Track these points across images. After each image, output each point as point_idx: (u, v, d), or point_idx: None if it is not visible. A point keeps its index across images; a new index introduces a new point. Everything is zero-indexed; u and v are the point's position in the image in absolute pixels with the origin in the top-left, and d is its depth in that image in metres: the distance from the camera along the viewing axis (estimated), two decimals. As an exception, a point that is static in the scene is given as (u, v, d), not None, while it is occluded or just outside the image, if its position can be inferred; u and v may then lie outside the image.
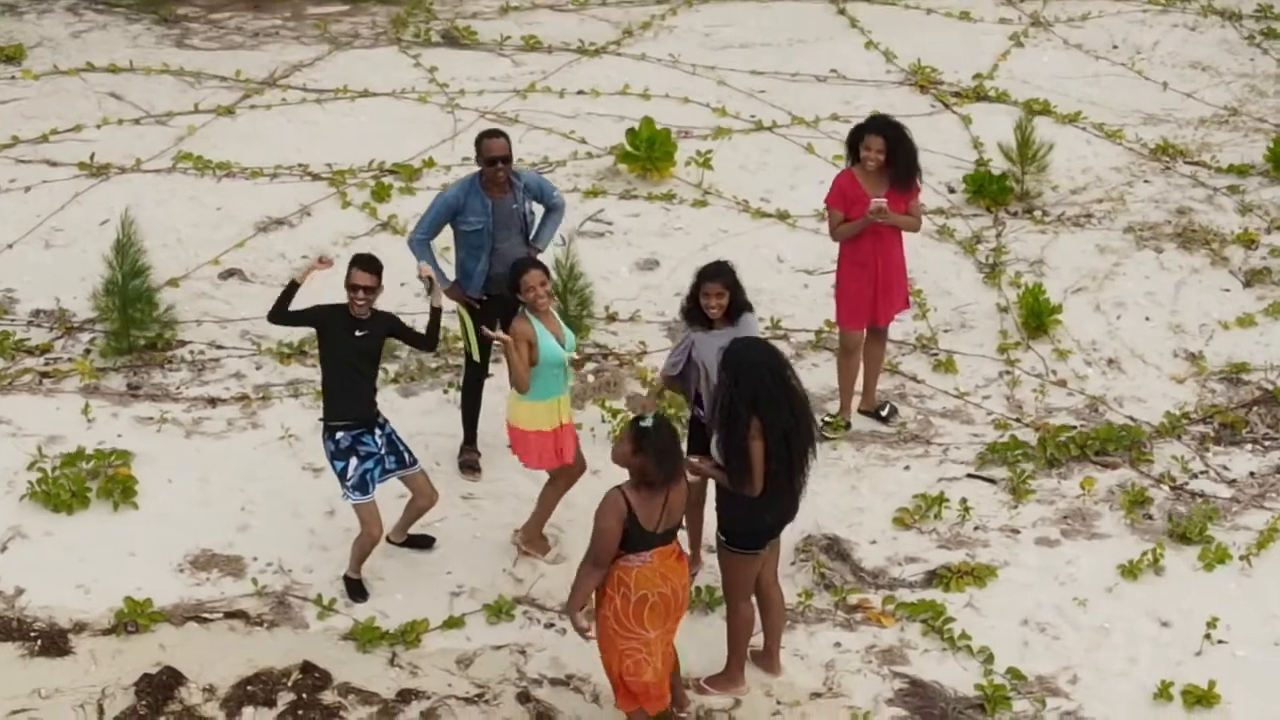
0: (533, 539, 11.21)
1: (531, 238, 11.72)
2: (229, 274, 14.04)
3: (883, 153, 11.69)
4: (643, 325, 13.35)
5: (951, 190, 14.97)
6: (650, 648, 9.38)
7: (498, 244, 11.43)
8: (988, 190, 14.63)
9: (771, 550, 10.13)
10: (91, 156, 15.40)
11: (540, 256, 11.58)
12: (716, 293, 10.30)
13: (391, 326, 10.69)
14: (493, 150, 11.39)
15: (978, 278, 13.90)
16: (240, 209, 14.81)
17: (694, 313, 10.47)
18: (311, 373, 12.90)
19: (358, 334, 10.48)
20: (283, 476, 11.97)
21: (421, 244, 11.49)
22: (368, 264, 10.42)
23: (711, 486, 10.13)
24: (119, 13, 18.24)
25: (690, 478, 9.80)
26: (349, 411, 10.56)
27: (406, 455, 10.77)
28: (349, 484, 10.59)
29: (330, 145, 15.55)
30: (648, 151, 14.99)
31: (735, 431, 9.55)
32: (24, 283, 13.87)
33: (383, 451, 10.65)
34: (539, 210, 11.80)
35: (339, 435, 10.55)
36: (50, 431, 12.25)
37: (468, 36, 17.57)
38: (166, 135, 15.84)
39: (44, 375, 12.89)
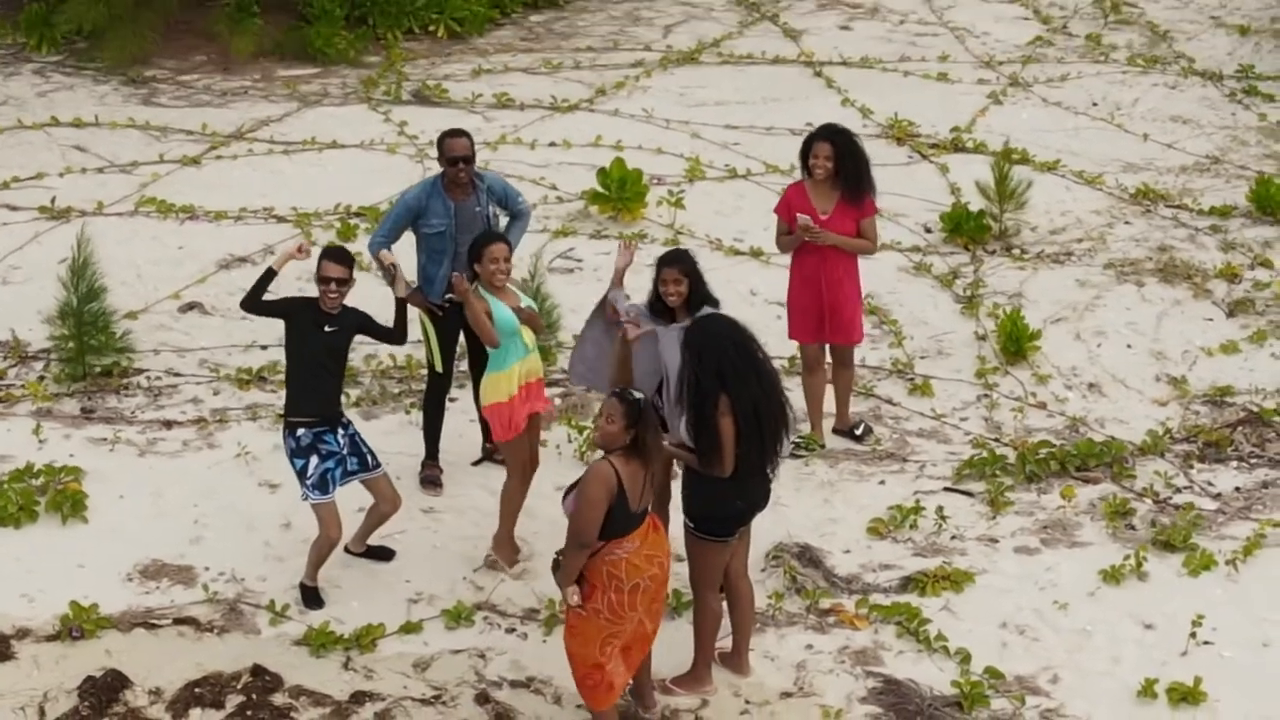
0: (501, 544, 10.98)
1: (496, 243, 11.54)
2: (189, 307, 13.90)
3: (831, 159, 11.57)
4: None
5: (928, 230, 14.88)
6: (628, 628, 9.17)
7: (460, 248, 11.28)
8: (965, 228, 14.55)
9: (741, 540, 9.91)
10: (53, 200, 15.32)
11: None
12: (674, 279, 10.14)
13: (362, 323, 10.55)
14: (454, 150, 11.31)
15: (955, 309, 13.78)
16: (203, 248, 14.71)
17: (656, 304, 10.32)
18: (270, 397, 12.73)
19: (327, 329, 10.34)
20: (238, 492, 11.76)
21: (381, 247, 11.36)
22: (339, 256, 10.32)
23: (678, 485, 9.94)
24: (86, 74, 18.23)
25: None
26: (312, 408, 10.39)
27: (369, 458, 10.58)
28: (309, 482, 10.39)
29: (296, 192, 15.48)
30: (618, 192, 14.92)
31: (703, 409, 9.38)
32: (-22, 317, 13.71)
33: (345, 452, 10.47)
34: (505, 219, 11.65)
35: (300, 432, 10.37)
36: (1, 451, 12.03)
37: (439, 95, 17.57)
38: (130, 183, 15.77)
39: (-2, 400, 12.68)
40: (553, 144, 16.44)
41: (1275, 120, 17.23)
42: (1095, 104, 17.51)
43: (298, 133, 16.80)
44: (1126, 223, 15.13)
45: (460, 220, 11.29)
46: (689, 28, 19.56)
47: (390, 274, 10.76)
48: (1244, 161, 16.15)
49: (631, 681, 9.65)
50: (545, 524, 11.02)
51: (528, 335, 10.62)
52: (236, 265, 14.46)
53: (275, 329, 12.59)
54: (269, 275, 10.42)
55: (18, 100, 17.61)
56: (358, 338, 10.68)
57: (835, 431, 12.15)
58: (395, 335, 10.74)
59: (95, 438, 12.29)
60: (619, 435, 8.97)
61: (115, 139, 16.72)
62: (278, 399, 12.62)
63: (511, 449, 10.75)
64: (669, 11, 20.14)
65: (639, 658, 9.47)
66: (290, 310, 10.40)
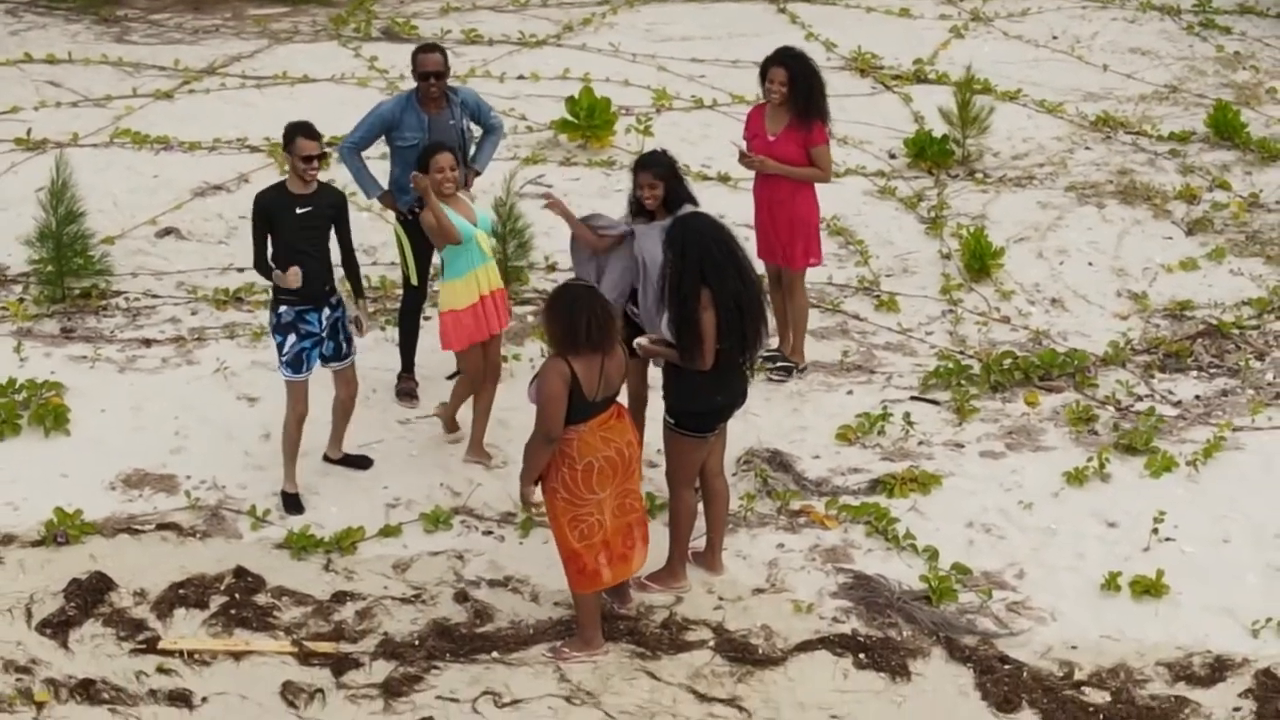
0: (475, 449, 11.13)
1: (470, 159, 11.67)
2: (166, 232, 13.99)
3: (785, 85, 11.64)
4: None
5: (892, 156, 15.04)
6: (601, 507, 9.30)
7: (431, 160, 11.34)
8: (929, 153, 14.70)
9: (718, 438, 10.05)
10: (28, 132, 15.37)
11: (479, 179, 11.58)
12: (649, 183, 10.27)
13: (339, 209, 10.58)
14: (426, 65, 11.40)
15: (919, 230, 13.94)
16: (177, 177, 14.79)
17: (636, 207, 10.45)
18: (248, 316, 12.86)
19: (299, 210, 10.39)
20: (217, 406, 11.87)
21: (351, 151, 11.50)
22: (309, 130, 10.38)
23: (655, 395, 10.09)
24: (58, 14, 18.27)
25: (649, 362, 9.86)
26: (295, 288, 10.45)
27: (344, 346, 10.68)
28: (284, 359, 10.53)
29: (269, 124, 15.53)
30: (587, 120, 15.03)
31: (686, 304, 9.52)
32: (-44, 243, 13.77)
33: (324, 334, 10.56)
34: (479, 132, 11.74)
35: (281, 309, 10.50)
36: (-16, 371, 12.11)
37: (408, 31, 17.65)
38: (104, 116, 15.84)
39: (-26, 321, 12.74)
40: (521, 77, 16.54)
41: (1232, 51, 17.41)
42: (1055, 37, 17.67)
43: (269, 68, 16.87)
44: (1087, 148, 15.29)
45: (434, 133, 11.39)
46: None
47: (376, 187, 10.84)
48: (1202, 90, 16.32)
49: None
50: (518, 432, 11.10)
51: (484, 242, 10.73)
52: (211, 193, 14.54)
53: (250, 247, 12.75)
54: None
55: (-11, 39, 17.65)
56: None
57: (773, 350, 12.14)
58: (347, 255, 10.78)
59: (75, 355, 12.38)
60: (564, 325, 9.14)
61: (88, 75, 16.77)
62: (254, 318, 12.75)
63: (461, 359, 10.88)
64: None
65: (631, 560, 9.59)
66: (266, 209, 10.45)
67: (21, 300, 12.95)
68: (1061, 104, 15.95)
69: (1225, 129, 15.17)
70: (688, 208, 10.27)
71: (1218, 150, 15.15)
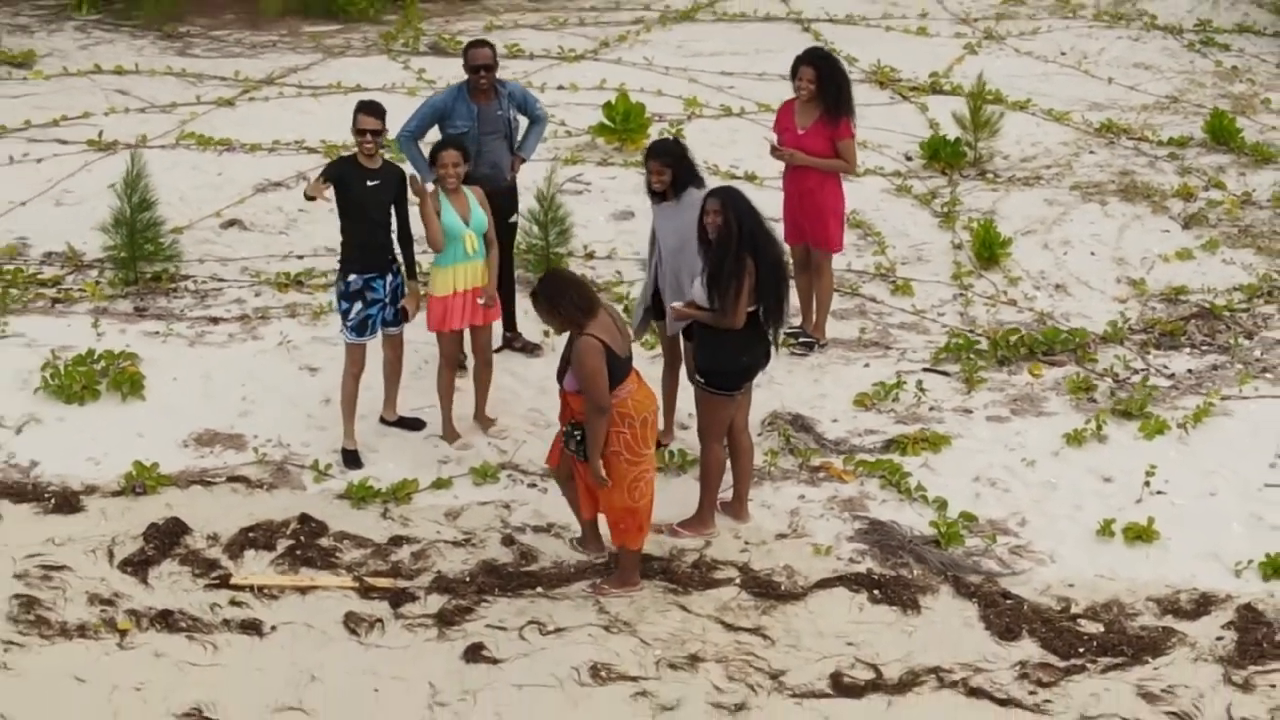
0: (445, 427, 11.81)
1: (516, 147, 12.44)
2: (230, 224, 14.74)
3: (814, 83, 12.36)
4: (619, 261, 14.06)
5: (908, 158, 15.76)
6: (650, 465, 10.03)
7: (482, 147, 12.12)
8: (942, 155, 15.43)
9: (744, 396, 10.78)
10: (100, 134, 16.14)
11: (524, 166, 12.36)
12: (657, 169, 11.01)
13: (400, 185, 11.33)
14: (477, 59, 12.18)
15: (933, 224, 14.65)
16: (240, 175, 15.56)
17: (649, 187, 11.20)
18: (307, 297, 13.60)
19: (369, 183, 11.15)
20: (281, 375, 12.61)
21: (408, 139, 12.22)
22: (372, 108, 11.13)
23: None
24: (124, 30, 19.07)
25: (674, 325, 10.57)
26: (366, 258, 11.21)
27: (396, 314, 11.43)
28: (350, 324, 11.27)
29: (324, 128, 16.32)
30: (623, 124, 15.80)
31: (728, 266, 10.21)
32: (36, 232, 14.54)
33: (386, 300, 11.31)
34: (524, 122, 12.50)
35: (351, 278, 11.23)
36: (62, 343, 12.86)
37: (453, 46, 18.41)
38: (170, 121, 16.61)
39: (55, 301, 13.51)
40: (561, 87, 17.30)
41: (1230, 65, 18.11)
42: (1063, 53, 18.40)
43: (324, 79, 17.66)
44: (1091, 152, 16.01)
45: (482, 122, 12.13)
46: (684, -7, 20.46)
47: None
48: (1200, 101, 17.03)
49: (582, 530, 10.53)
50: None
51: (470, 242, 11.44)
52: (272, 189, 15.30)
53: (310, 238, 13.61)
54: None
55: (62, 52, 18.46)
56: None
57: (796, 326, 12.88)
58: (403, 228, 11.53)
59: (148, 331, 13.12)
60: (567, 313, 9.91)
61: (154, 84, 17.56)
62: (314, 299, 13.51)
63: (441, 340, 11.59)
64: (663, -21, 21.02)
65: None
66: (338, 172, 11.20)
67: (98, 282, 13.69)
68: (1068, 113, 16.67)
69: (1221, 134, 15.87)
70: (690, 192, 10.98)
71: (1214, 154, 15.85)
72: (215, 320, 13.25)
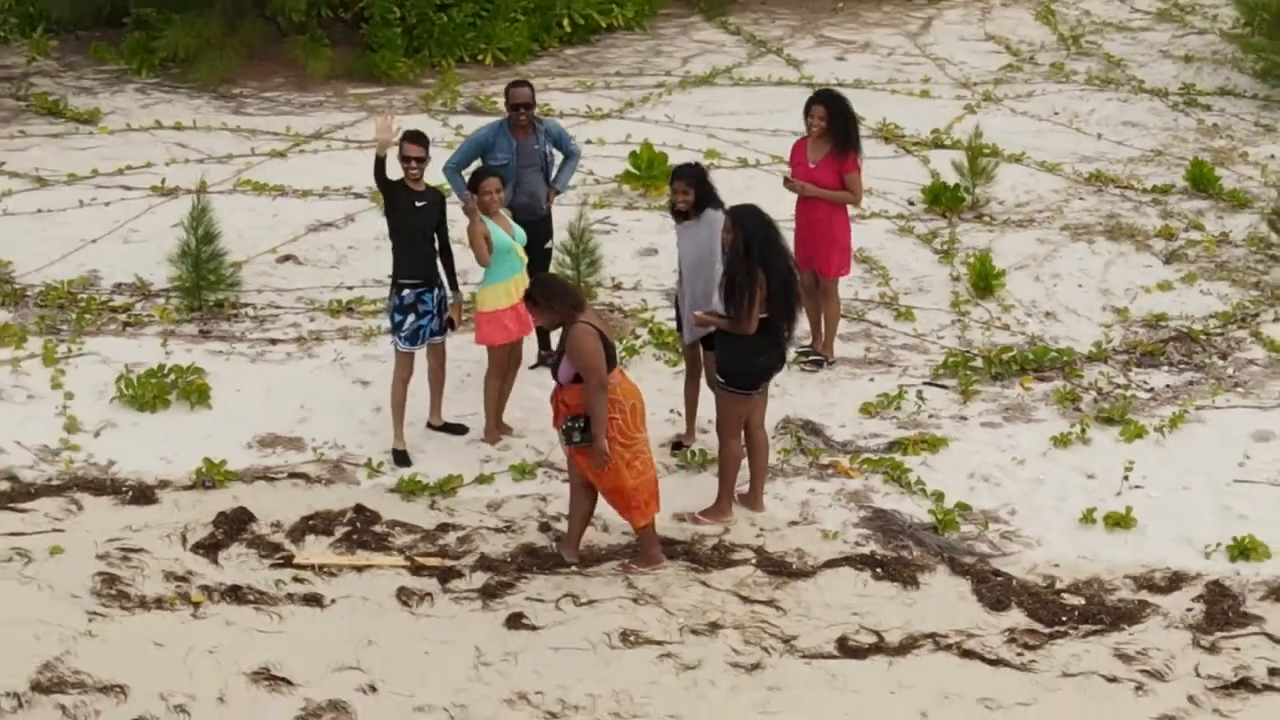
0: (488, 430, 12.76)
1: (552, 179, 13.47)
2: (285, 258, 15.74)
3: (824, 119, 13.36)
4: (644, 291, 15.03)
5: (911, 203, 16.75)
6: (646, 445, 10.97)
7: (521, 179, 13.14)
8: (943, 199, 16.42)
9: (760, 396, 11.75)
10: (162, 181, 17.19)
11: (559, 196, 13.39)
12: (681, 190, 12.01)
13: (442, 208, 12.36)
14: (517, 98, 13.20)
15: (933, 260, 15.61)
16: (293, 217, 16.57)
17: (672, 207, 12.21)
18: (358, 321, 14.57)
19: (417, 204, 12.18)
20: (336, 388, 13.56)
21: (453, 172, 13.24)
22: (416, 136, 12.16)
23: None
24: (181, 91, 20.15)
25: (693, 332, 11.58)
26: (415, 271, 12.19)
27: (442, 324, 12.42)
28: (403, 334, 12.23)
29: (370, 177, 17.27)
30: (647, 171, 16.82)
31: (744, 279, 11.21)
32: (106, 266, 15.54)
33: (434, 311, 12.30)
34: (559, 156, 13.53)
35: (405, 292, 12.21)
36: (133, 360, 13.85)
37: (488, 106, 19.46)
38: (227, 170, 17.63)
39: (126, 324, 14.52)
40: (589, 141, 18.30)
41: (1211, 123, 19.13)
42: (1056, 113, 19.41)
43: (368, 134, 18.68)
44: (1080, 199, 16.99)
45: (521, 155, 13.15)
46: (704, 59, 21.50)
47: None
48: (1183, 154, 18.00)
49: (566, 529, 11.44)
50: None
51: (520, 252, 12.47)
52: (323, 229, 16.29)
53: (359, 272, 14.61)
54: (379, 161, 12.22)
55: (124, 111, 19.53)
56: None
57: (806, 345, 13.84)
58: (445, 261, 12.51)
59: (213, 350, 14.08)
60: (560, 312, 11.00)
61: (211, 139, 18.62)
62: (364, 323, 14.49)
63: (495, 352, 12.56)
64: (686, 47, 22.08)
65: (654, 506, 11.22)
66: (391, 189, 12.21)
67: (165, 308, 14.69)
68: (1059, 164, 17.67)
69: (1202, 182, 16.85)
70: (709, 212, 11.98)
71: (1195, 200, 16.82)
72: (274, 341, 14.20)
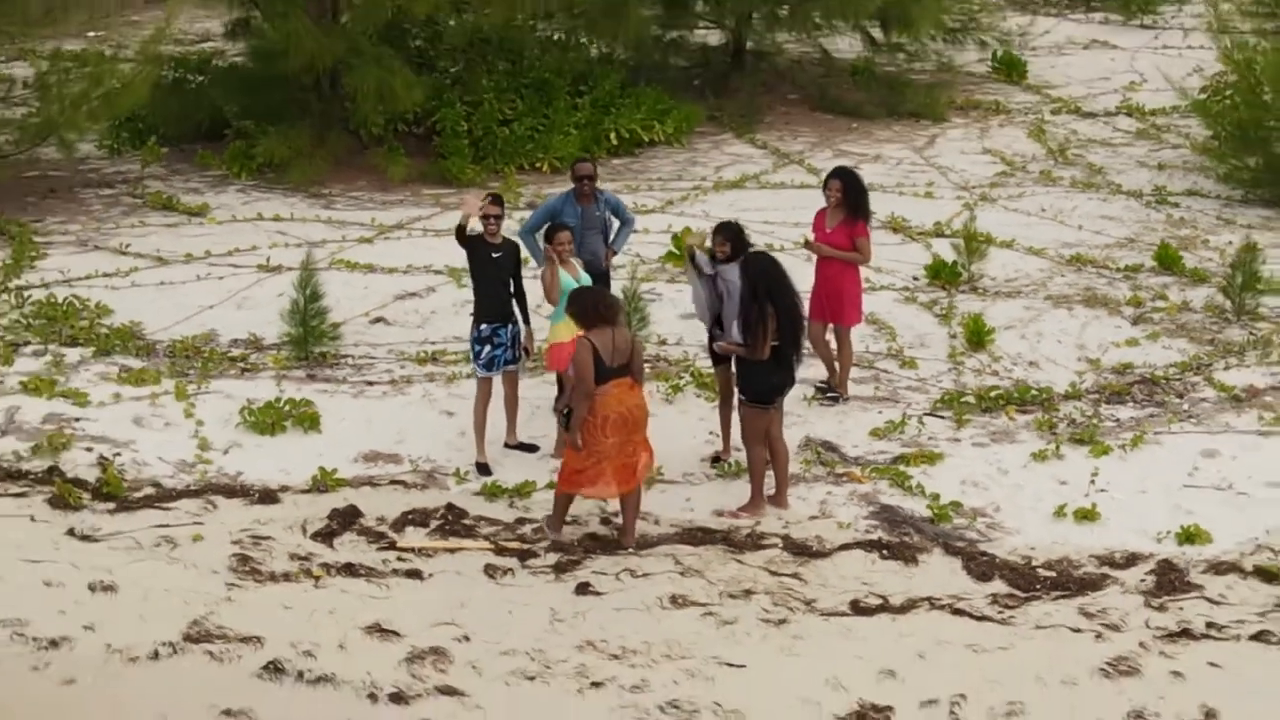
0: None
1: (610, 241, 15.50)
2: (377, 320, 17.70)
3: (840, 192, 15.37)
4: (686, 345, 17.01)
5: (915, 279, 18.74)
6: (605, 454, 12.77)
7: (584, 240, 15.11)
8: (942, 274, 18.39)
9: (776, 411, 13.67)
10: (267, 259, 19.25)
11: (616, 258, 15.39)
12: (720, 242, 13.94)
13: (517, 258, 14.38)
14: (581, 171, 15.23)
15: (934, 321, 17.52)
16: (382, 288, 18.55)
17: (713, 255, 14.19)
18: (442, 368, 16.52)
19: (494, 255, 14.20)
20: (426, 417, 15.44)
21: (528, 233, 15.20)
22: (496, 199, 14.16)
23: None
24: (277, 191, 22.21)
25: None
26: (492, 311, 14.13)
27: (515, 355, 14.37)
28: (480, 362, 14.16)
29: (447, 258, 19.35)
30: (686, 252, 18.80)
31: (754, 313, 13.21)
32: (223, 326, 17.51)
33: (508, 344, 14.27)
34: (616, 222, 15.56)
35: (483, 326, 14.16)
36: (252, 396, 15.82)
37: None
38: (322, 251, 19.60)
39: (244, 370, 16.52)
40: (635, 231, 20.32)
41: (1178, 217, 21.14)
42: (1043, 210, 21.36)
43: (443, 225, 20.75)
44: (1062, 276, 18.92)
45: (585, 220, 15.15)
46: (734, 168, 23.55)
47: (542, 254, 14.61)
48: (1152, 241, 19.96)
49: (622, 519, 13.24)
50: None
51: None
52: (409, 298, 18.30)
53: (441, 331, 16.56)
54: (460, 228, 14.24)
55: (229, 205, 21.62)
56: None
57: (823, 382, 15.77)
58: (520, 302, 14.46)
59: (320, 389, 15.98)
60: (583, 317, 12.92)
61: (306, 228, 20.67)
62: (447, 370, 16.42)
63: (564, 378, 14.46)
64: (719, 158, 24.14)
65: (630, 481, 13.02)
66: (472, 245, 14.22)
67: (277, 356, 16.69)
68: (1044, 249, 19.63)
69: (1168, 262, 18.78)
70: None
71: (1161, 276, 18.71)
72: (371, 383, 16.14)
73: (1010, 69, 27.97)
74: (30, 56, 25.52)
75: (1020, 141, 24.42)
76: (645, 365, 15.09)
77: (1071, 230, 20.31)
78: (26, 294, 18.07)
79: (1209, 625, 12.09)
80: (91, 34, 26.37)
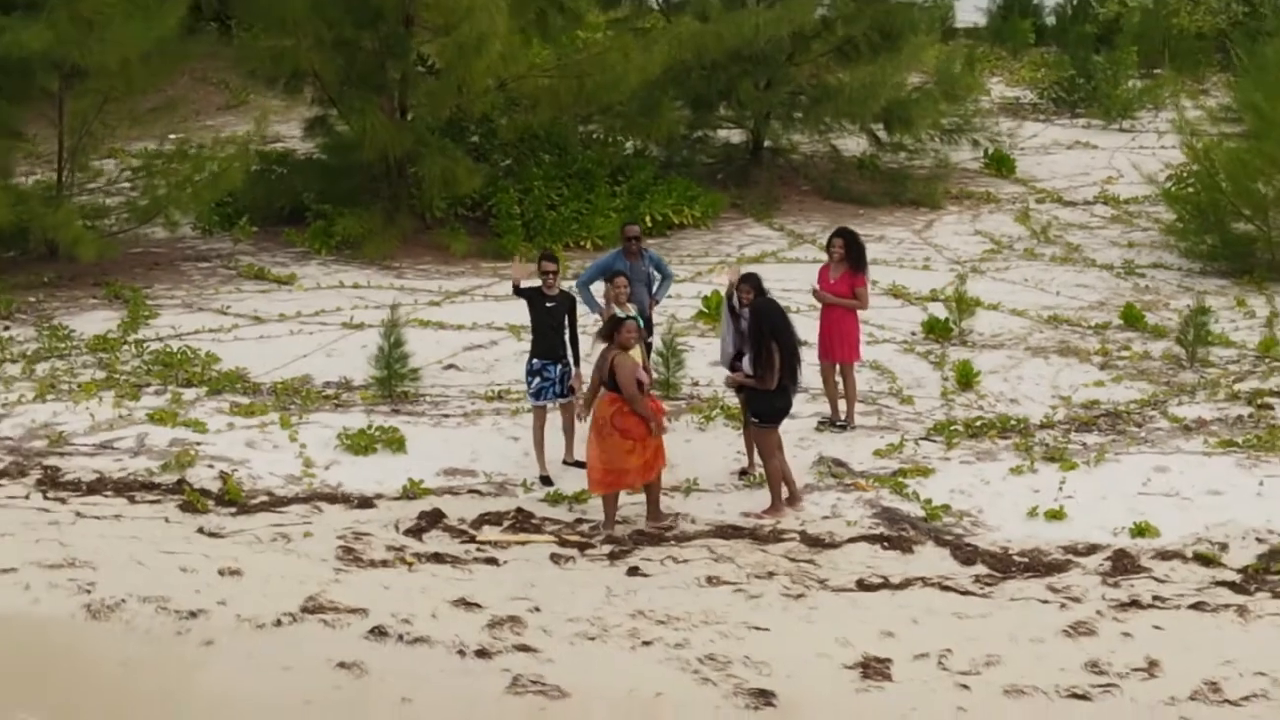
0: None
1: (653, 292, 17.57)
2: (449, 366, 19.73)
3: (842, 248, 17.46)
4: (716, 387, 19.03)
5: (912, 334, 20.78)
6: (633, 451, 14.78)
7: (632, 289, 17.19)
8: (936, 329, 20.44)
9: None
10: (350, 318, 21.35)
11: (658, 306, 17.44)
12: (745, 291, 15.98)
13: (571, 307, 16.42)
14: (629, 232, 17.31)
15: (929, 368, 19.50)
16: (451, 341, 20.54)
17: (739, 300, 16.22)
18: (507, 404, 18.54)
19: (548, 304, 16.24)
20: (495, 442, 17.36)
21: (583, 286, 17.27)
22: (551, 256, 16.21)
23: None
24: (353, 264, 24.27)
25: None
26: (544, 350, 16.06)
27: (566, 390, 16.36)
28: (531, 391, 16.14)
29: (506, 316, 21.43)
30: (716, 312, 20.90)
31: (765, 349, 15.23)
32: (316, 371, 19.57)
33: (556, 380, 16.26)
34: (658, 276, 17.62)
35: (534, 361, 16.14)
36: (347, 425, 17.87)
37: (591, 274, 23.59)
38: (397, 312, 21.79)
39: (337, 405, 18.58)
40: (669, 297, 22.39)
41: (1144, 285, 23.18)
42: (1026, 280, 23.42)
43: (501, 291, 22.87)
44: (1040, 332, 20.89)
45: (632, 274, 17.18)
46: (754, 246, 25.56)
47: (599, 307, 16.65)
48: (1121, 304, 22.01)
49: (648, 506, 15.15)
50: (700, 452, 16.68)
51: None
52: (475, 349, 20.32)
53: (504, 375, 18.55)
54: (515, 284, 16.31)
55: (313, 276, 23.70)
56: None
57: (825, 419, 17.77)
58: (574, 341, 16.54)
59: (403, 420, 18.01)
60: (634, 339, 14.82)
61: (381, 294, 22.69)
62: (512, 405, 18.44)
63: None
64: (740, 239, 26.14)
65: (652, 475, 14.96)
66: (529, 295, 16.23)
67: (366, 392, 18.75)
68: (1026, 310, 21.67)
69: (1132, 320, 20.74)
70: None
71: (1126, 333, 20.72)
72: (447, 415, 18.16)
73: (1000, 165, 30.02)
74: (120, 155, 27.78)
75: (1007, 225, 26.43)
76: (681, 400, 17.12)
77: (1050, 296, 22.28)
78: (145, 345, 20.05)
79: (1154, 598, 13.92)
80: (172, 136, 28.45)
